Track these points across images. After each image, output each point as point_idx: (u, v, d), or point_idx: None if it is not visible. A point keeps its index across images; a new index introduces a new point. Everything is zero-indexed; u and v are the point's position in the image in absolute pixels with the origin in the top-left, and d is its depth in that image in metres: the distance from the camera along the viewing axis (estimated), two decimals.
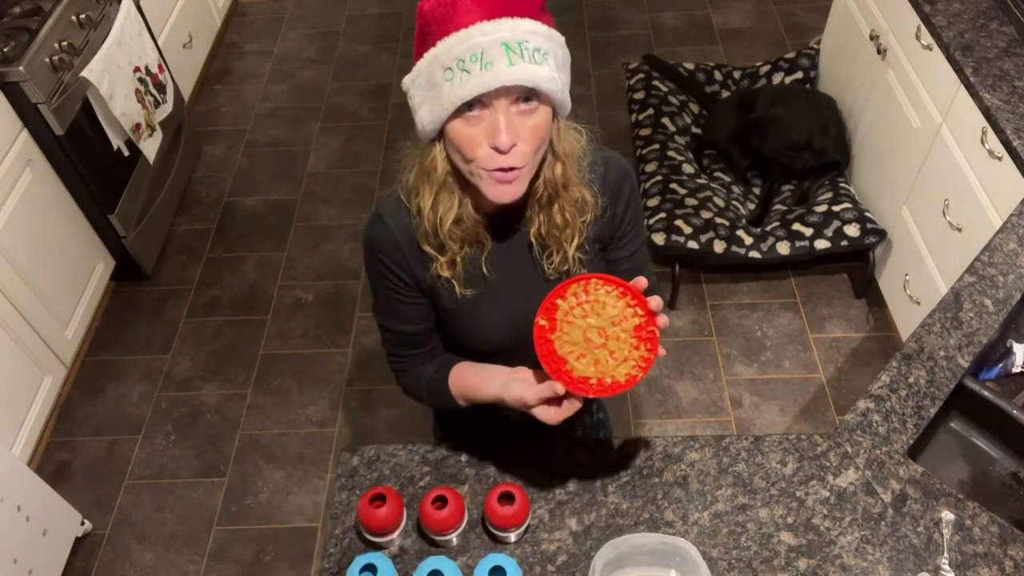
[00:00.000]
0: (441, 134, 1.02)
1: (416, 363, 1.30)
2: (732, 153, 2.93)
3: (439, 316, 1.25)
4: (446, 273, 1.14)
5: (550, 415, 1.09)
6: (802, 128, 2.79)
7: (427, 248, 1.13)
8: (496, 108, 0.96)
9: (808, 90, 3.04)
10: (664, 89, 3.16)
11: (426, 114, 1.00)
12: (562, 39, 1.00)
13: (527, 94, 0.96)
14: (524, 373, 1.14)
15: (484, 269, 1.16)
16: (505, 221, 1.16)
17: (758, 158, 2.88)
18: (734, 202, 2.83)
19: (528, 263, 1.19)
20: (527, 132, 0.99)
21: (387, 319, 1.25)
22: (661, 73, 3.19)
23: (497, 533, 1.23)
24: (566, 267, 1.17)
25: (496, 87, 0.93)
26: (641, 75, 3.22)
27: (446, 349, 1.35)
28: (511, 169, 1.00)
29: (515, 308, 1.19)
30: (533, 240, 1.16)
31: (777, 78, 3.18)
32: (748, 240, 2.61)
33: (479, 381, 1.20)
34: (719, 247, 2.60)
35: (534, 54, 0.94)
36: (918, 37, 2.27)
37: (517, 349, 1.25)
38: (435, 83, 0.96)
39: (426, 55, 0.97)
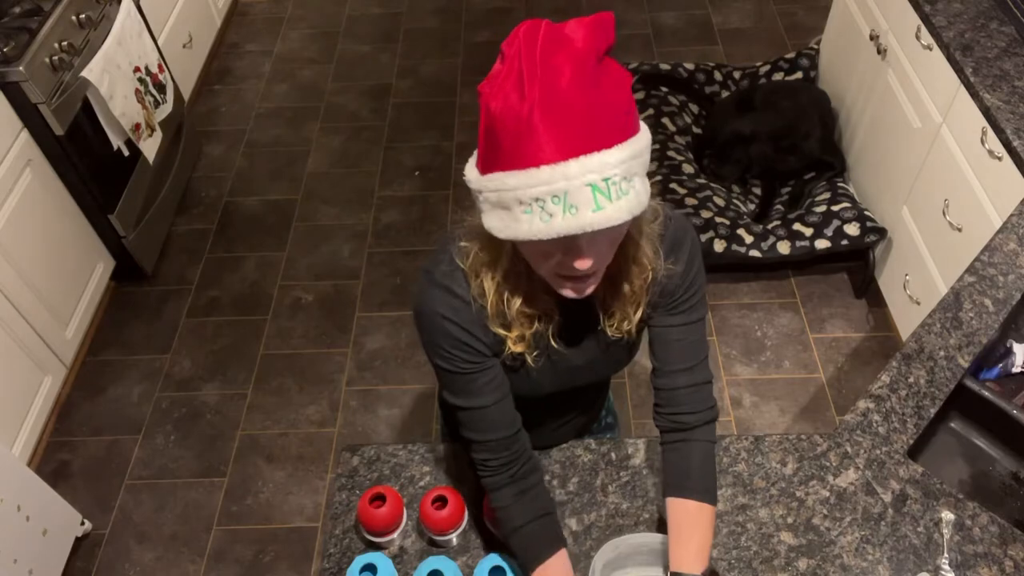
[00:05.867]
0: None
1: (503, 473, 1.14)
2: (729, 155, 2.94)
3: None
4: (518, 349, 1.07)
5: None
6: (786, 132, 2.81)
7: (494, 328, 1.05)
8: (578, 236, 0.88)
9: (800, 89, 3.04)
10: (664, 89, 3.16)
11: (496, 224, 0.90)
12: (646, 138, 0.89)
13: None
14: None
15: (553, 342, 1.09)
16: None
17: (751, 162, 2.90)
18: (734, 201, 2.83)
19: (592, 329, 1.13)
20: (606, 246, 0.93)
21: (467, 398, 1.10)
22: (660, 84, 3.20)
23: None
24: (628, 327, 1.11)
25: (580, 233, 0.85)
26: (641, 75, 3.22)
27: None
28: (587, 276, 0.95)
29: (571, 367, 1.16)
30: (599, 308, 1.10)
31: (777, 78, 3.18)
32: (748, 239, 2.61)
33: None
34: (719, 246, 2.60)
35: (621, 185, 0.85)
36: (918, 37, 2.27)
37: (559, 395, 1.23)
38: (509, 209, 0.87)
39: (498, 176, 0.87)
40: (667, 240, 1.08)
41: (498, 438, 1.11)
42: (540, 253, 0.93)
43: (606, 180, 0.84)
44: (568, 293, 0.98)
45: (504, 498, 1.13)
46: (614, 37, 0.87)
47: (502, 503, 1.14)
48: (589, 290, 0.98)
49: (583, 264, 0.91)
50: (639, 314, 1.10)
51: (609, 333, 1.11)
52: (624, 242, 1.00)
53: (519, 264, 1.00)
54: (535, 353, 1.10)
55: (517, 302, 1.02)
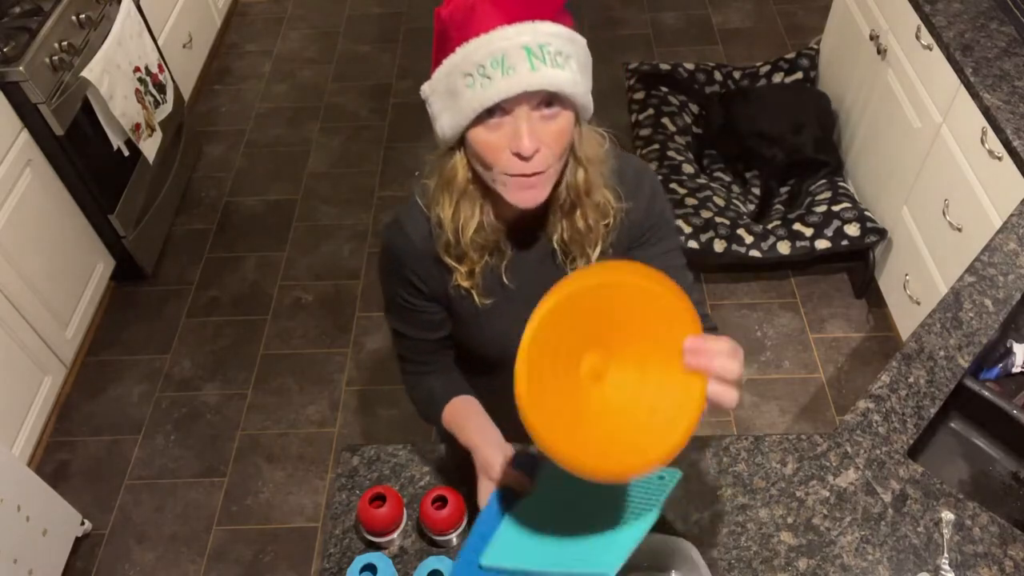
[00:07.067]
0: (462, 141, 1.01)
1: (426, 373, 1.30)
2: (721, 146, 2.96)
3: (453, 323, 1.24)
4: (465, 283, 1.13)
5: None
6: (775, 124, 2.81)
7: (447, 259, 1.11)
8: (518, 114, 0.94)
9: (800, 88, 3.04)
10: (664, 89, 3.16)
11: (446, 121, 0.99)
12: (583, 41, 0.98)
13: (549, 99, 0.95)
14: (501, 465, 1.13)
15: (504, 278, 1.14)
16: (526, 229, 1.14)
17: (741, 152, 2.91)
18: (734, 201, 2.83)
19: (549, 270, 1.16)
20: (550, 137, 0.97)
21: (403, 325, 1.24)
22: (659, 84, 3.20)
23: None
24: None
25: (518, 92, 0.92)
26: (640, 75, 3.22)
27: (457, 355, 1.34)
28: (534, 174, 0.98)
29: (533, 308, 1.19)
30: (556, 247, 1.14)
31: (777, 78, 3.18)
32: (748, 239, 2.61)
33: (470, 424, 1.21)
34: (719, 246, 2.60)
35: (556, 57, 0.92)
36: (918, 37, 2.27)
37: None
38: (455, 90, 0.95)
39: (445, 62, 0.95)
40: (627, 181, 1.14)
41: (424, 360, 1.27)
42: (489, 148, 0.97)
43: (541, 47, 0.92)
44: (520, 198, 1.01)
45: (423, 388, 1.29)
46: None
47: (422, 393, 1.29)
48: (541, 196, 1.02)
49: (524, 146, 0.95)
50: (598, 251, 1.14)
51: (569, 272, 1.14)
52: (573, 167, 1.05)
53: (474, 187, 1.05)
54: (489, 299, 1.16)
55: (471, 229, 1.08)
